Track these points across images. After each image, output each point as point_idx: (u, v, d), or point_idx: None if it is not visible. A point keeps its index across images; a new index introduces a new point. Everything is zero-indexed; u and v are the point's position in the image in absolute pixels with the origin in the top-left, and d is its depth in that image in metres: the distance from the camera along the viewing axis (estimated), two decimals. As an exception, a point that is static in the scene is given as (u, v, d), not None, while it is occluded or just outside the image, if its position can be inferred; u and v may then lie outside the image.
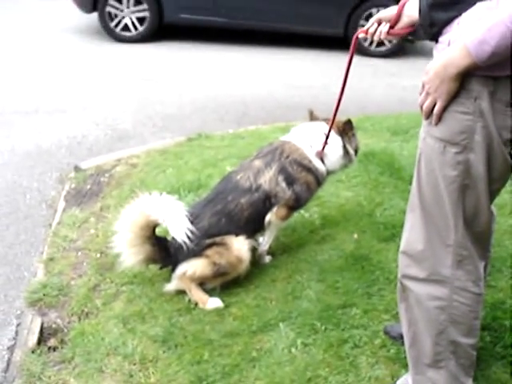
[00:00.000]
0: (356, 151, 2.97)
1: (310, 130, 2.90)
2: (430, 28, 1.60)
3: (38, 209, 3.62)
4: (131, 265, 2.67)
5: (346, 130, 2.88)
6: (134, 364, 2.30)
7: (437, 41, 1.61)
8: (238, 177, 2.77)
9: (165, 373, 2.24)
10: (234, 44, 8.04)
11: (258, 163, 2.80)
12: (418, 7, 1.65)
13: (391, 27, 1.89)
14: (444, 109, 1.56)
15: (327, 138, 2.76)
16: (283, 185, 2.75)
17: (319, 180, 2.86)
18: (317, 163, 2.83)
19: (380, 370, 2.20)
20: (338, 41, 7.79)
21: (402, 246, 1.83)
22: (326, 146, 2.80)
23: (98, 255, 3.05)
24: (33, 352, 2.38)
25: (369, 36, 2.05)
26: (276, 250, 3.01)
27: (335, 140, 2.86)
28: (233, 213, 2.68)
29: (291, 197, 2.78)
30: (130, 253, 2.62)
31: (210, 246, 2.63)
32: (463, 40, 1.44)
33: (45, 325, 2.56)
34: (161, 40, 7.97)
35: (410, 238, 1.79)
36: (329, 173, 2.91)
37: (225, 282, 2.70)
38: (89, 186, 3.89)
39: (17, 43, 7.42)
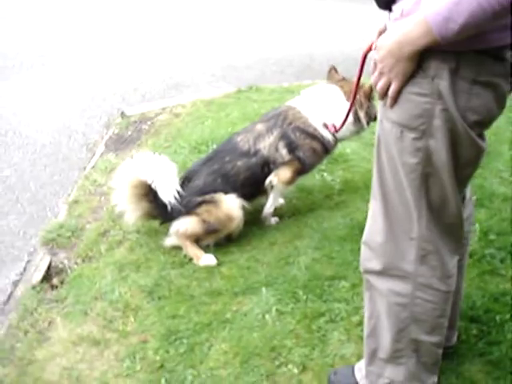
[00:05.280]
0: (374, 118, 2.76)
1: (319, 96, 2.75)
2: None
3: (77, 152, 3.81)
4: (132, 221, 2.75)
5: (361, 96, 2.69)
6: (117, 311, 2.39)
7: (390, 9, 1.38)
8: (239, 138, 2.71)
9: (143, 323, 2.31)
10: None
11: (260, 127, 2.72)
12: None
13: None
14: (400, 90, 1.36)
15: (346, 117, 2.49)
16: (283, 152, 2.66)
17: (326, 147, 2.73)
18: (323, 131, 2.69)
19: (349, 348, 2.10)
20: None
21: (364, 235, 1.66)
22: (336, 113, 2.65)
23: (118, 201, 3.15)
24: (33, 288, 2.55)
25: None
26: (286, 212, 2.95)
27: (345, 106, 2.68)
28: (229, 174, 2.64)
29: (293, 161, 2.68)
30: (128, 209, 2.69)
31: (200, 204, 2.63)
32: (423, 13, 1.21)
33: (52, 264, 2.72)
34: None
35: (371, 229, 1.62)
36: (338, 140, 2.76)
37: (219, 239, 2.71)
38: (130, 133, 4.00)
39: None
